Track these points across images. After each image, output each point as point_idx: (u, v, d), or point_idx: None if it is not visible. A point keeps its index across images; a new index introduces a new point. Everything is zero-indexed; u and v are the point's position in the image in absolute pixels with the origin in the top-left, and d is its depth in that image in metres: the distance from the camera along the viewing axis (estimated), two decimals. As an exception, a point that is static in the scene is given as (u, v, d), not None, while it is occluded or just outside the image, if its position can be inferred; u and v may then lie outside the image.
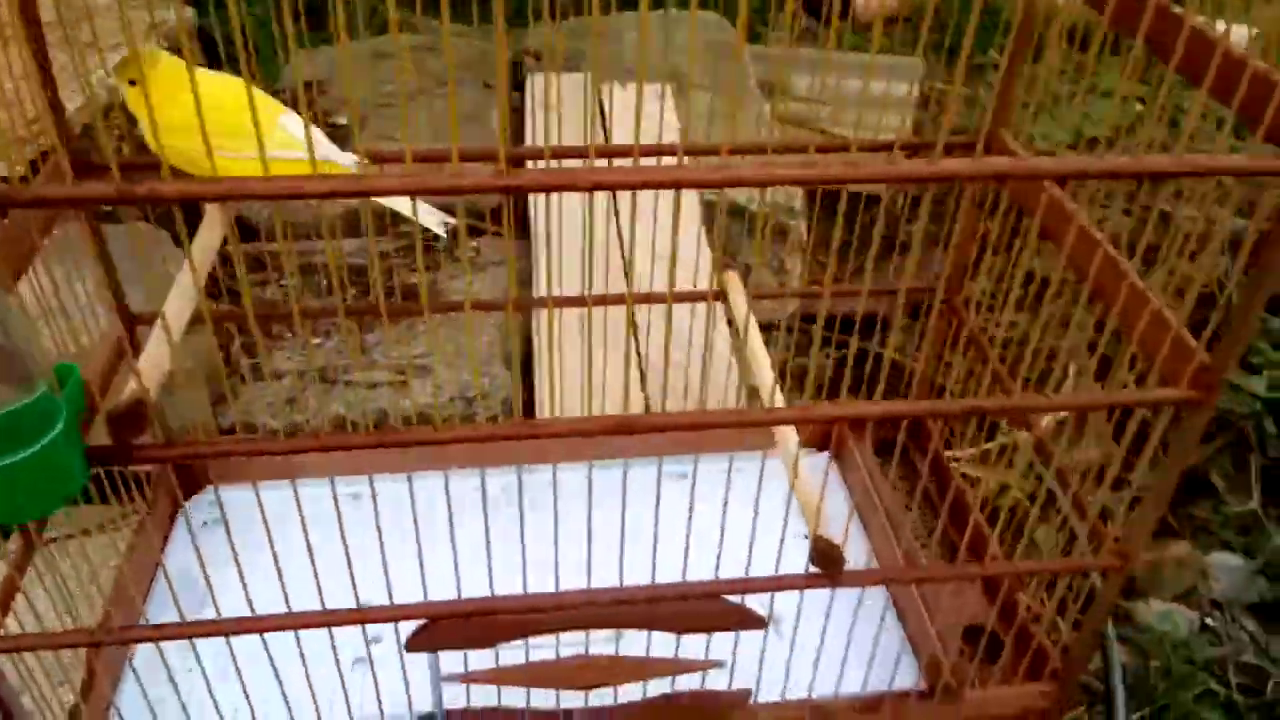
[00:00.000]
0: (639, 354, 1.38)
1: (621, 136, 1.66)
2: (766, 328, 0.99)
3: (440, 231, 0.78)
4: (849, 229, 1.64)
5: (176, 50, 0.75)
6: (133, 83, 0.73)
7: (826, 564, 0.68)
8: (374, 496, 0.65)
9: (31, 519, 0.63)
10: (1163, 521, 1.79)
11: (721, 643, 0.73)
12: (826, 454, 1.12)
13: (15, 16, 0.73)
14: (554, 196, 0.60)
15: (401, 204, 0.74)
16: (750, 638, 0.72)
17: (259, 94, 0.68)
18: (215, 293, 1.14)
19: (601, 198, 1.71)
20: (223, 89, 0.71)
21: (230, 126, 0.53)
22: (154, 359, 0.60)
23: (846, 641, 0.78)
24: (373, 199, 0.72)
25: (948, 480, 1.03)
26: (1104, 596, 0.75)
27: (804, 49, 2.61)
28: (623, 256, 1.55)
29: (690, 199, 1.63)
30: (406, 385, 1.30)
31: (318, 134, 0.75)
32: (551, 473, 0.97)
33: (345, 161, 0.75)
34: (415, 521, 0.63)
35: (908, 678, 0.87)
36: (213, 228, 0.75)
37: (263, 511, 0.60)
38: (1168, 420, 0.66)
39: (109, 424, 0.56)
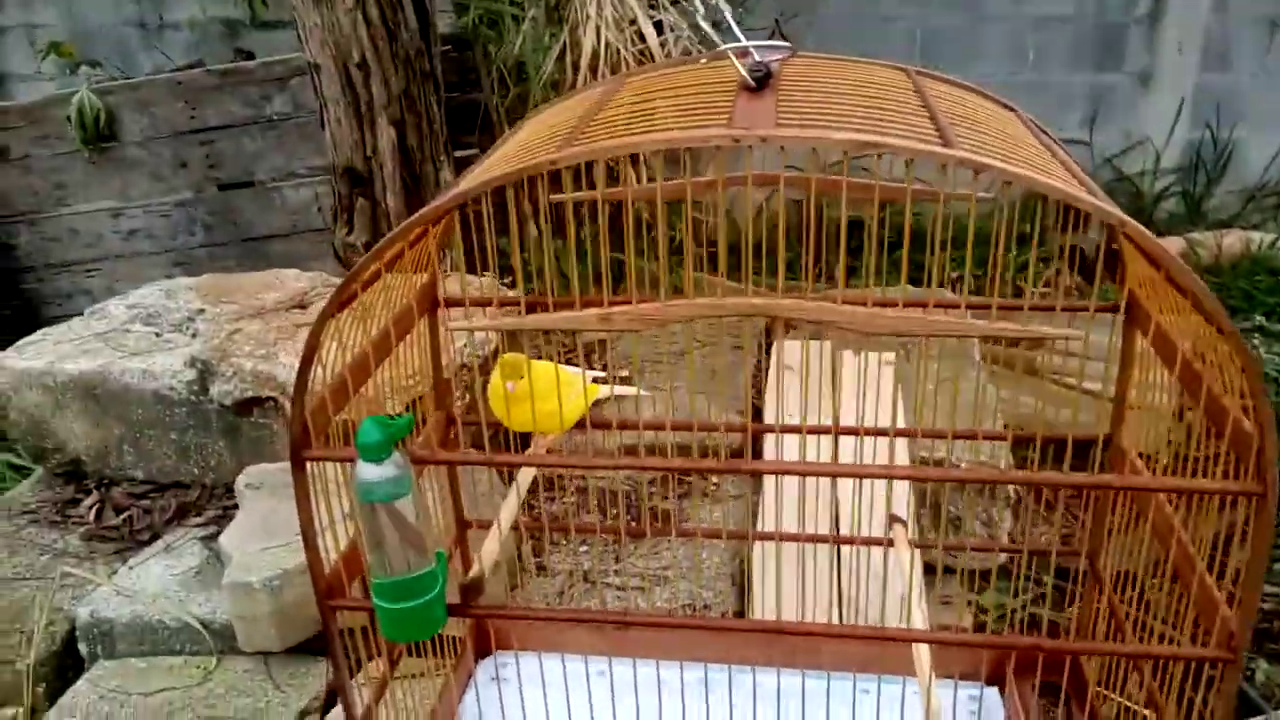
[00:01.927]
0: (840, 587, 1.63)
1: (849, 400, 1.98)
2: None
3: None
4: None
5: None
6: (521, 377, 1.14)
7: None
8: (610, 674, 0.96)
9: (411, 640, 0.99)
10: None
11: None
12: (995, 689, 1.30)
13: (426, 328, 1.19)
14: (783, 449, 0.93)
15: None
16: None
17: (569, 370, 1.07)
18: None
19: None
20: (549, 373, 1.10)
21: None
22: (489, 551, 0.98)
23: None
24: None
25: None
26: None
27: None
28: (833, 507, 1.83)
29: (900, 456, 1.89)
30: (647, 590, 1.62)
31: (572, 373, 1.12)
32: (751, 672, 1.24)
33: (630, 391, 1.11)
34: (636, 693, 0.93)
35: None
36: (519, 490, 1.14)
37: (542, 677, 0.93)
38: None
39: (461, 590, 0.93)
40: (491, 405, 1.15)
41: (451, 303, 1.15)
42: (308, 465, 0.92)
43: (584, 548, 1.81)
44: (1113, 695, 1.17)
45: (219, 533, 1.83)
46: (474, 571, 0.93)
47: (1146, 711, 1.01)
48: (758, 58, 0.86)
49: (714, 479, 2.01)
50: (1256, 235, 3.72)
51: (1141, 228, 0.71)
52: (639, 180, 2.83)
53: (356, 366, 0.94)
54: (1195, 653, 0.83)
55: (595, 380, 1.12)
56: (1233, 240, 3.70)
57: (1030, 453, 0.92)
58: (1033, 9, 3.78)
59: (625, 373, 2.35)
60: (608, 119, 0.86)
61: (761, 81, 0.83)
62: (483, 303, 0.96)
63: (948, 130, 0.77)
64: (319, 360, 0.86)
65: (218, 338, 1.97)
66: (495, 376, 1.10)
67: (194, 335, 2.09)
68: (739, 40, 0.87)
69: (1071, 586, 1.24)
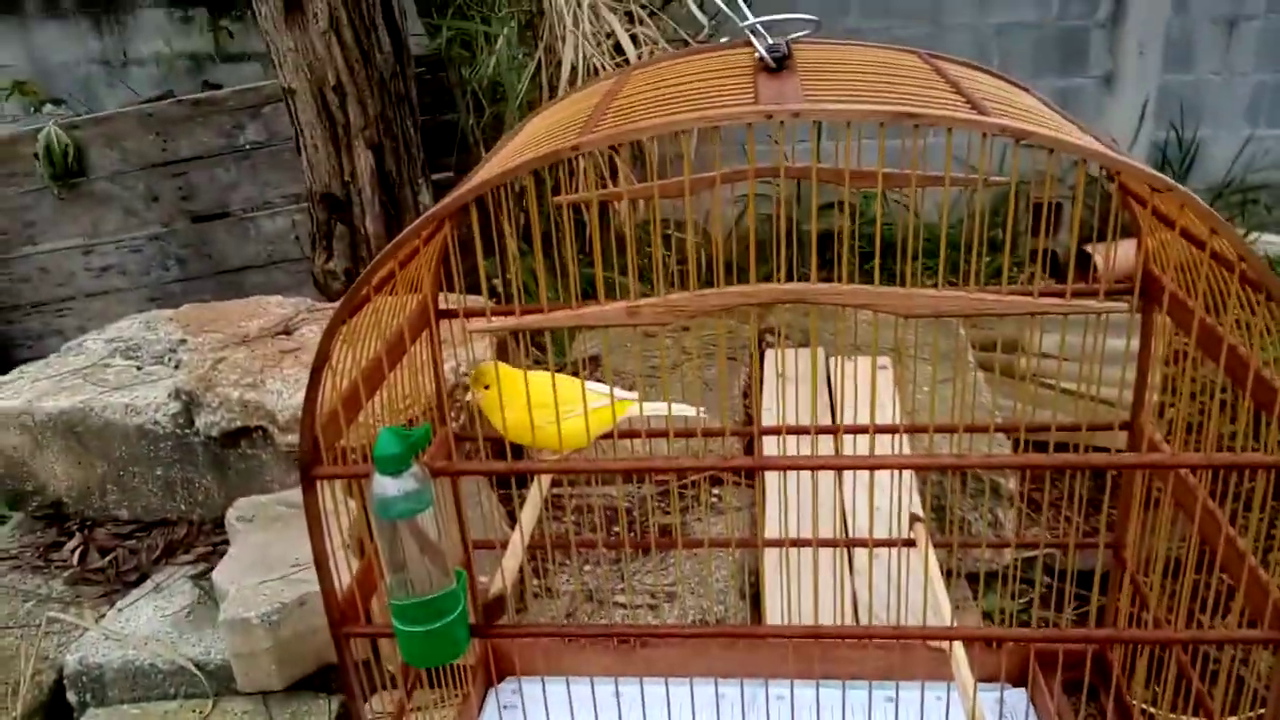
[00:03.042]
0: (854, 591, 1.59)
1: (846, 404, 1.95)
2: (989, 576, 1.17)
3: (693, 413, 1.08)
4: (1054, 486, 1.80)
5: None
6: (486, 387, 1.10)
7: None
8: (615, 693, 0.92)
9: (433, 665, 0.94)
10: None
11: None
12: (1023, 690, 1.27)
13: (433, 348, 1.15)
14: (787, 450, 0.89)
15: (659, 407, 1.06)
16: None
17: (565, 378, 1.03)
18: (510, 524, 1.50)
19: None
20: (544, 383, 1.06)
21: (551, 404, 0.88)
22: (510, 567, 0.93)
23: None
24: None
25: (1128, 711, 1.15)
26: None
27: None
28: (838, 511, 1.80)
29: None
30: (657, 608, 1.58)
31: (595, 387, 1.07)
32: (764, 685, 1.20)
33: (629, 395, 1.07)
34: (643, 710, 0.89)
35: None
36: (538, 489, 1.10)
37: (555, 699, 0.89)
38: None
39: (484, 610, 0.88)
40: (492, 420, 1.10)
41: (446, 315, 1.11)
42: (318, 485, 0.87)
43: (589, 567, 1.76)
44: (1145, 692, 1.14)
45: (209, 570, 1.76)
46: (495, 588, 0.88)
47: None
48: (770, 40, 0.84)
49: (716, 491, 1.97)
50: (1227, 232, 3.76)
51: (1186, 190, 0.69)
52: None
53: (368, 376, 0.90)
54: (1250, 635, 0.81)
55: (624, 398, 1.07)
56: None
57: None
58: (995, 16, 3.82)
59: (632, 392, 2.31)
60: (622, 108, 0.83)
61: (780, 62, 0.80)
62: (503, 312, 0.92)
63: (980, 102, 0.74)
64: (330, 370, 0.82)
65: (201, 368, 1.91)
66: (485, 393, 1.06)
67: (176, 366, 2.03)
68: (744, 23, 0.84)
69: (1073, 587, 1.21)
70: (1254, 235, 3.69)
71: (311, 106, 2.73)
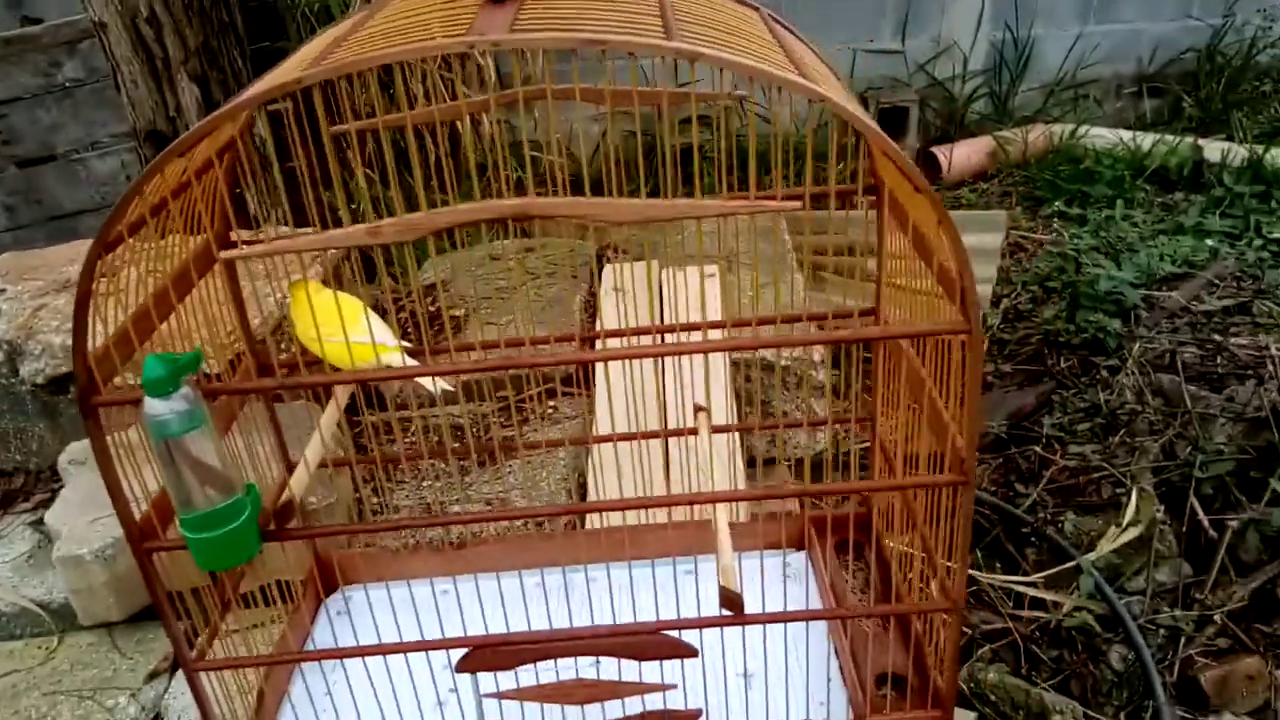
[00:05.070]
0: (668, 483, 1.72)
1: (679, 310, 2.06)
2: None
3: (437, 394, 1.16)
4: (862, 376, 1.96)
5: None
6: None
7: (730, 606, 1.00)
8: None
9: (228, 567, 1.00)
10: (1235, 638, 1.93)
11: (691, 674, 1.04)
12: (803, 553, 1.42)
13: (222, 267, 1.19)
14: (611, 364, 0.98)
15: (425, 382, 1.14)
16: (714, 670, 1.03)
17: (349, 299, 1.09)
18: (360, 447, 1.56)
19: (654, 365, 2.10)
20: (330, 301, 1.11)
21: (333, 324, 0.95)
22: (299, 480, 1.01)
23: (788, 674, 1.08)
24: (417, 380, 1.12)
25: (886, 560, 1.31)
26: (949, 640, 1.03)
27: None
28: (662, 412, 1.92)
29: (717, 362, 1.99)
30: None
31: (379, 324, 1.14)
32: (583, 570, 1.32)
33: (391, 343, 1.13)
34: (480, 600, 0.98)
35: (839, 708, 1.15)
36: (335, 402, 1.17)
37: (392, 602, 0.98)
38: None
39: (274, 515, 0.96)
40: (304, 342, 1.16)
41: (229, 247, 1.15)
42: (100, 412, 0.92)
43: (427, 483, 1.84)
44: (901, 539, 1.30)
45: (48, 515, 1.78)
46: (284, 496, 0.96)
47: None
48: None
49: (551, 403, 2.07)
50: (1057, 128, 3.99)
51: (841, 103, 0.79)
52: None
53: (140, 316, 0.95)
54: (936, 479, 0.95)
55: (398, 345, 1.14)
56: (1037, 135, 3.97)
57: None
58: (836, -81, 3.90)
59: (460, 312, 2.37)
60: (360, 40, 0.88)
61: (501, -6, 0.87)
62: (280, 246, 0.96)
63: (673, 28, 0.82)
64: (95, 303, 0.86)
65: (22, 316, 1.89)
66: (296, 316, 1.12)
67: (-4, 317, 1.99)
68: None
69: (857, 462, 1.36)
70: (1083, 129, 3.93)
71: (126, 40, 2.63)
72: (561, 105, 2.72)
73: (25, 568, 1.70)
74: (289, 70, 0.90)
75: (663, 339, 1.18)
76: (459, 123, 3.01)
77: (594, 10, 0.88)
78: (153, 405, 0.86)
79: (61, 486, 1.83)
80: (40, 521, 1.82)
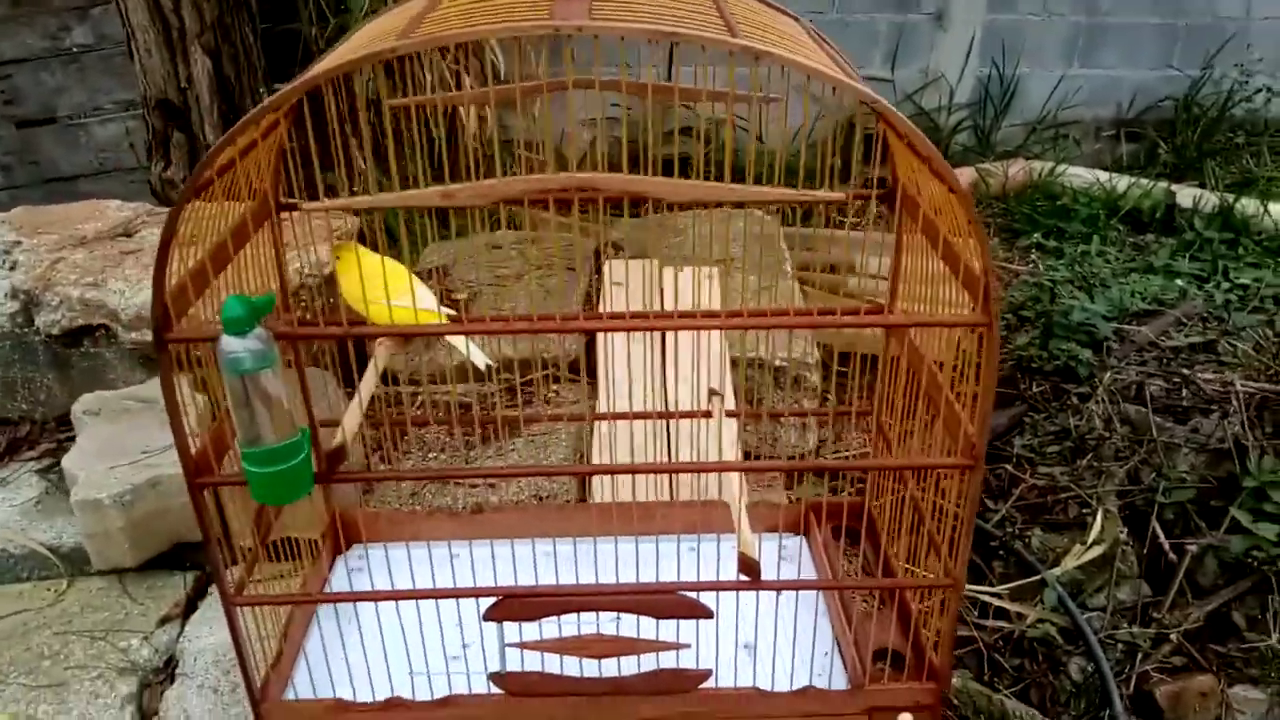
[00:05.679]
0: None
1: (679, 305, 2.14)
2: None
3: (481, 367, 1.24)
4: (844, 380, 2.05)
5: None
6: (338, 258, 1.22)
7: (748, 572, 1.07)
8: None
9: (284, 503, 1.06)
10: (1190, 656, 2.03)
11: (702, 637, 1.11)
12: (801, 536, 1.50)
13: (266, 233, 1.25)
14: (614, 351, 1.05)
15: (459, 343, 1.21)
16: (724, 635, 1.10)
17: (394, 264, 1.16)
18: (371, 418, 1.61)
19: (654, 353, 2.17)
20: (378, 264, 1.19)
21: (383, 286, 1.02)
22: (350, 423, 1.07)
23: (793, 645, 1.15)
24: (448, 340, 1.18)
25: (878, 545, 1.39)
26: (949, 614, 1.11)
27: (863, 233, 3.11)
28: (663, 397, 1.99)
29: (718, 358, 2.07)
30: (496, 486, 1.74)
31: (424, 291, 1.21)
32: (593, 542, 1.38)
33: (437, 309, 1.21)
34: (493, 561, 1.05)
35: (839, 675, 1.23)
36: (373, 366, 1.23)
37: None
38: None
39: (326, 457, 1.02)
40: (350, 302, 1.22)
41: (287, 207, 1.21)
42: (170, 348, 0.98)
43: (433, 455, 1.90)
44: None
45: (55, 465, 1.81)
46: (337, 439, 1.02)
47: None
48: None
49: (555, 387, 2.13)
50: (1037, 164, 4.14)
51: (890, 106, 0.87)
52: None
53: (215, 256, 1.01)
54: (946, 462, 1.03)
55: (428, 309, 1.22)
56: (1017, 169, 4.11)
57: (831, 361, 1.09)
58: (834, -44, 4.03)
59: (464, 296, 2.43)
60: (437, 18, 0.95)
61: (578, -14, 0.94)
62: (341, 207, 1.03)
63: (735, 28, 0.90)
64: (178, 243, 0.92)
65: (39, 268, 1.92)
66: (343, 277, 1.18)
67: (13, 267, 2.02)
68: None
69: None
70: (1062, 167, 4.08)
71: (144, 9, 2.67)
72: (556, 108, 2.78)
73: (34, 512, 1.73)
74: (365, 44, 0.96)
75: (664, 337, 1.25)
76: (461, 112, 3.07)
77: (661, 7, 0.96)
78: (229, 343, 0.92)
79: (70, 437, 1.86)
80: (47, 470, 1.84)
